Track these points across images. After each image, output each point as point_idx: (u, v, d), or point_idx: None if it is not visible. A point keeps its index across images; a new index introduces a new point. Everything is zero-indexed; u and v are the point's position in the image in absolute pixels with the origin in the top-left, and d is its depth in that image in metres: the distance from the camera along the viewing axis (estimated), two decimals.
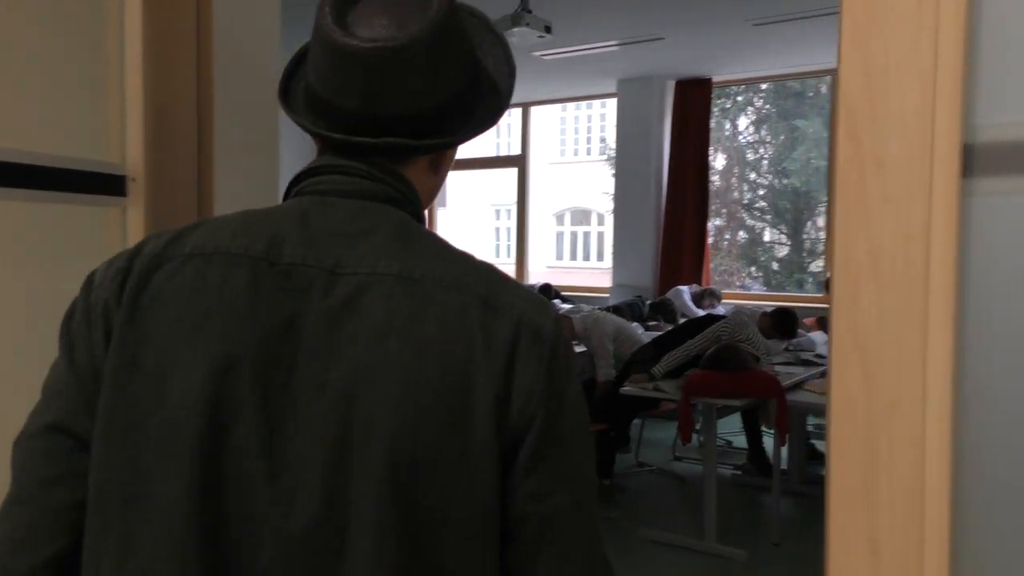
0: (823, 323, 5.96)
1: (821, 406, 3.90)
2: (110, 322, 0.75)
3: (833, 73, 7.57)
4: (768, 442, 5.18)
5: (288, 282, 0.74)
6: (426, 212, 0.90)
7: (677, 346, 4.12)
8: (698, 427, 5.18)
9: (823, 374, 4.48)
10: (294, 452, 0.70)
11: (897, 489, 0.75)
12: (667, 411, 4.97)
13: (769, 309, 5.78)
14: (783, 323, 4.87)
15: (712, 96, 8.01)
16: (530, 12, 4.97)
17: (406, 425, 0.69)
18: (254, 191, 1.88)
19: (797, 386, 4.09)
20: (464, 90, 0.84)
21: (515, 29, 4.93)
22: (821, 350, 5.21)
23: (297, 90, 0.88)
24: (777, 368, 4.30)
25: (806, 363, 4.64)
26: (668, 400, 4.11)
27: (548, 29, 5.07)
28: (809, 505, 4.58)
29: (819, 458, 5.27)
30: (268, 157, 1.95)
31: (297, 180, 0.84)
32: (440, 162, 0.89)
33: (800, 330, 5.30)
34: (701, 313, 7.18)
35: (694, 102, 7.95)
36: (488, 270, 0.79)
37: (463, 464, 0.70)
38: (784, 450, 4.50)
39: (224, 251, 0.76)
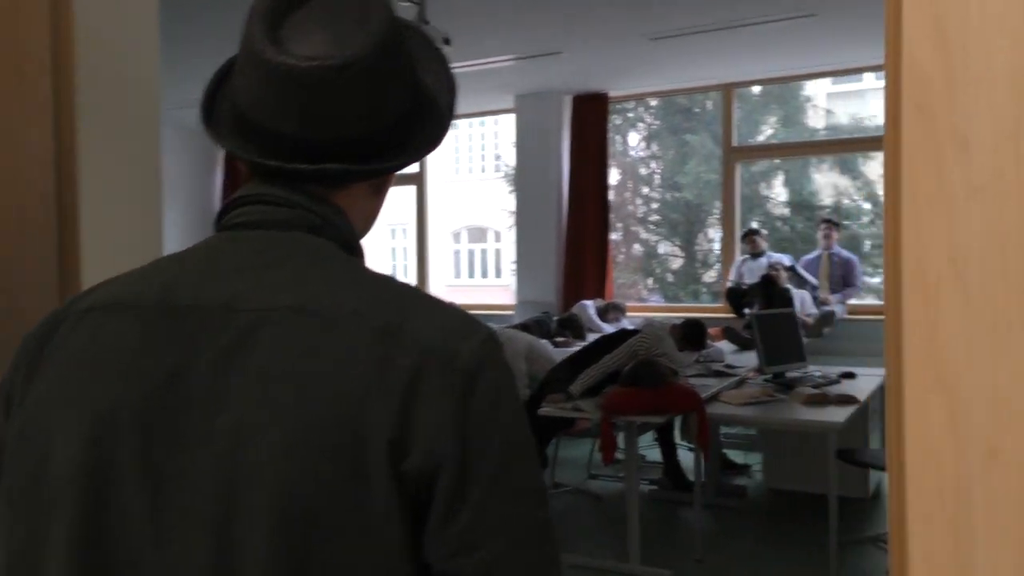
0: (728, 333, 6.02)
1: (739, 417, 3.88)
2: (12, 396, 0.74)
3: (725, 88, 7.77)
4: (683, 455, 5.15)
5: (180, 326, 0.69)
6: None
7: (593, 363, 4.02)
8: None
9: (738, 384, 4.48)
10: (181, 509, 0.65)
11: (1001, 565, 0.59)
12: (582, 429, 4.87)
13: (677, 321, 5.79)
14: (693, 335, 4.86)
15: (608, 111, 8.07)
16: (428, 23, 4.81)
17: (296, 475, 0.63)
18: (130, 247, 1.54)
19: (713, 398, 4.07)
20: (408, 110, 0.80)
21: None
22: (729, 360, 5.23)
23: (222, 110, 0.81)
24: (691, 381, 4.26)
25: (718, 374, 4.63)
26: (586, 418, 4.00)
27: (447, 41, 4.92)
28: (728, 517, 4.56)
29: (733, 468, 5.29)
30: (148, 198, 1.62)
31: (221, 214, 0.79)
32: (383, 184, 0.84)
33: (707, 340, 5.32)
34: (607, 327, 7.16)
35: (591, 117, 7.97)
36: (403, 295, 0.72)
37: (363, 517, 0.63)
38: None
39: (118, 302, 0.73)
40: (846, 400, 3.89)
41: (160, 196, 1.68)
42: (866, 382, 4.50)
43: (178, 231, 7.49)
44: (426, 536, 0.65)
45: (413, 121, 0.81)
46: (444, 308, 0.72)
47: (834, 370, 4.83)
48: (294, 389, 0.65)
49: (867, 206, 12.49)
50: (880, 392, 4.40)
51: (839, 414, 3.68)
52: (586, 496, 5.03)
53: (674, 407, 3.60)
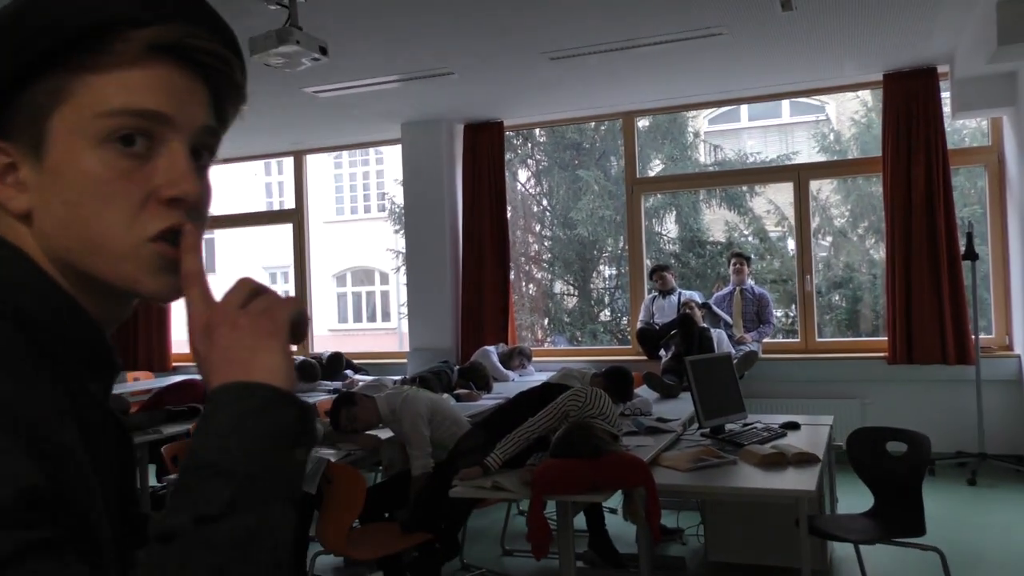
0: (649, 379, 5.45)
1: (691, 488, 3.25)
2: None
3: (625, 116, 7.36)
4: (610, 520, 4.50)
5: None
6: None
7: (512, 427, 3.32)
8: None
9: (674, 442, 3.88)
10: None
11: None
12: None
13: (592, 368, 5.19)
14: (619, 385, 4.26)
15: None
16: (300, 28, 4.08)
17: None
18: None
19: (652, 461, 3.44)
20: None
21: (283, 48, 4.01)
22: (657, 411, 4.65)
23: None
24: (623, 440, 3.61)
25: (651, 430, 4.02)
26: (509, 498, 3.29)
27: (324, 51, 4.19)
28: None
29: (665, 534, 4.66)
30: None
31: None
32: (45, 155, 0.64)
33: None
34: (513, 375, 6.50)
35: (485, 147, 7.38)
36: None
37: None
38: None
39: None
40: (805, 459, 3.35)
41: None
42: (812, 434, 4.00)
43: None
44: None
45: None
46: None
47: (772, 419, 4.32)
48: None
49: (755, 241, 12.49)
50: (830, 447, 3.90)
51: (805, 478, 3.12)
52: None
53: (618, 481, 2.94)
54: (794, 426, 4.11)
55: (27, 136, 0.62)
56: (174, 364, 8.30)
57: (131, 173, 0.62)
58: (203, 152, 0.67)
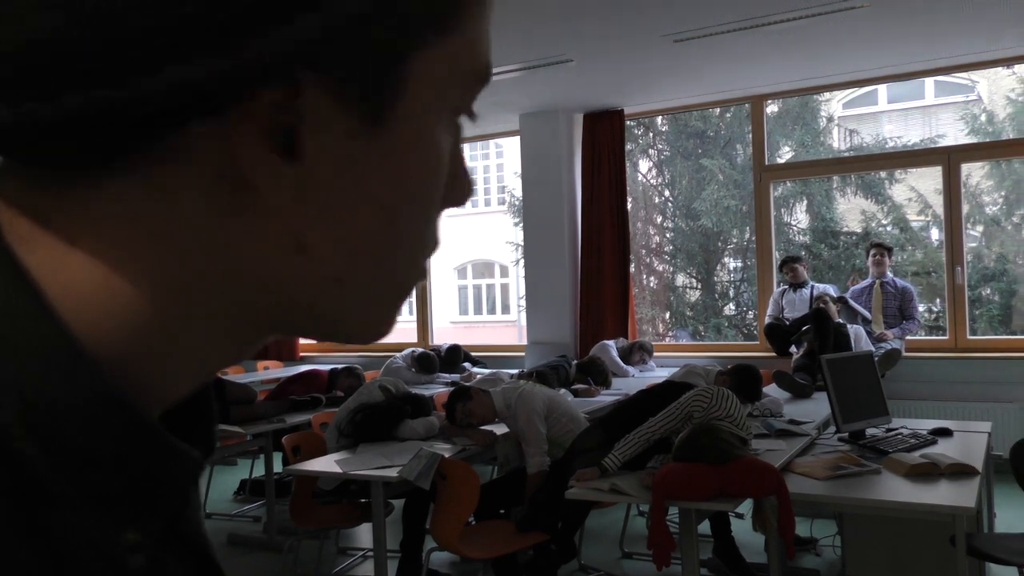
0: (779, 378, 5.13)
1: (831, 500, 2.98)
2: None
3: (754, 100, 6.98)
4: (738, 526, 4.25)
5: None
6: None
7: (632, 427, 3.15)
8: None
9: (808, 446, 3.60)
10: None
11: None
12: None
13: (716, 365, 4.94)
14: (748, 384, 4.00)
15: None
16: None
17: None
18: None
19: (785, 467, 3.19)
20: None
21: None
22: (788, 412, 4.36)
23: None
24: (753, 444, 3.37)
25: (782, 433, 3.75)
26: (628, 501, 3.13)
27: None
28: None
29: (797, 543, 4.37)
30: None
31: None
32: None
33: None
34: (633, 371, 6.30)
35: (605, 136, 7.19)
36: None
37: None
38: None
39: None
40: (962, 470, 3.02)
41: None
42: (967, 442, 3.62)
43: None
44: None
45: None
46: None
47: (919, 425, 3.95)
48: None
49: (894, 231, 11.68)
50: (989, 457, 3.52)
51: (962, 492, 2.80)
52: None
53: (747, 490, 2.72)
54: (946, 432, 3.74)
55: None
56: (302, 354, 8.56)
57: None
58: None
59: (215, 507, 5.68)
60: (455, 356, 6.89)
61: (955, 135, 11.53)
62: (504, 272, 18.95)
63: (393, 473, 3.35)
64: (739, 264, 13.00)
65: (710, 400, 3.02)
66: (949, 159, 6.37)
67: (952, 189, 6.28)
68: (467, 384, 4.67)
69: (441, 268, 17.48)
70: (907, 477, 3.02)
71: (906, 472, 3.03)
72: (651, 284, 13.27)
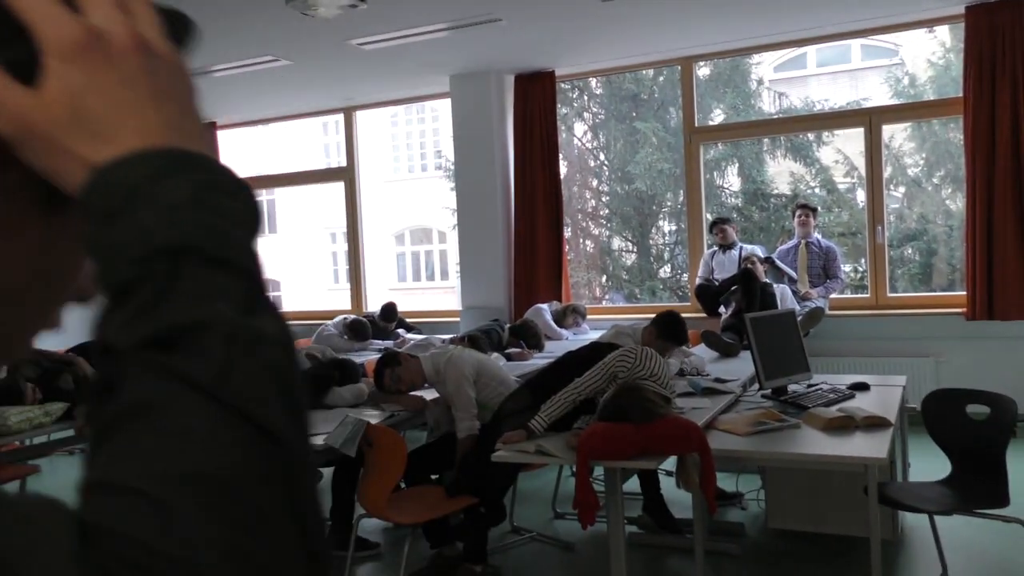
0: (707, 337, 5.21)
1: (751, 455, 3.04)
2: None
3: (684, 62, 7.00)
4: (667, 483, 4.33)
5: None
6: None
7: (558, 388, 3.16)
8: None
9: (732, 404, 3.67)
10: None
11: None
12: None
13: (644, 324, 4.97)
14: (672, 329, 4.06)
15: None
16: None
17: None
18: None
19: (708, 425, 3.24)
20: None
21: None
22: (714, 371, 4.43)
23: None
24: (678, 402, 3.42)
25: (707, 391, 3.81)
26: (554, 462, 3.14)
27: None
28: (727, 566, 3.74)
29: (723, 498, 4.48)
30: None
31: None
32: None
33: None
34: (567, 334, 6.33)
35: (537, 99, 7.13)
36: None
37: None
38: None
39: None
40: (876, 423, 3.11)
41: None
42: (883, 396, 3.74)
43: None
44: None
45: None
46: None
47: (839, 380, 4.06)
48: None
49: (822, 193, 11.95)
50: (903, 410, 3.64)
51: (875, 444, 2.89)
52: (552, 545, 4.16)
53: (670, 447, 2.76)
54: (863, 387, 3.85)
55: None
56: None
57: None
58: None
59: None
60: (391, 315, 6.82)
61: (880, 98, 11.80)
62: (442, 238, 18.82)
63: (319, 441, 3.30)
64: (673, 227, 13.15)
65: (634, 360, 3.04)
66: (871, 120, 6.51)
67: (873, 149, 6.43)
68: (397, 350, 4.61)
69: (379, 235, 17.26)
70: (825, 431, 3.10)
71: (824, 426, 3.11)
72: (587, 248, 13.33)
